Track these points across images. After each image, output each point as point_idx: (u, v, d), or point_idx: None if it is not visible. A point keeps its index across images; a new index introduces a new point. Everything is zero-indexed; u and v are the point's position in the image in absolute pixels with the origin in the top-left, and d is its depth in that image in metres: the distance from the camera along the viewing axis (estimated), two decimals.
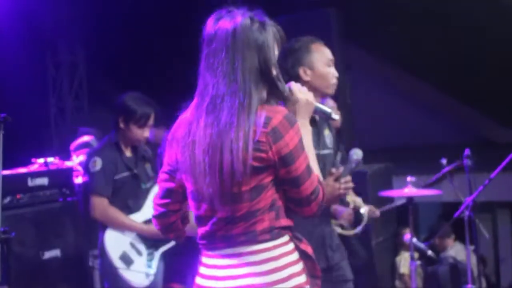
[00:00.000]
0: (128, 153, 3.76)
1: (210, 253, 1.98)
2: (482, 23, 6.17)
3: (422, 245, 5.11)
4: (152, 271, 3.65)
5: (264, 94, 1.95)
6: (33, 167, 4.32)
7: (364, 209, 3.65)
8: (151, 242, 3.68)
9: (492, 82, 6.50)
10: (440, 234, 5.68)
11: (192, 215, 2.04)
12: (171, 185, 2.04)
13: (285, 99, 2.07)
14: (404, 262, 5.53)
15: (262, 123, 1.85)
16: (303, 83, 2.50)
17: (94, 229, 3.86)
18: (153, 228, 3.60)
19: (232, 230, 1.91)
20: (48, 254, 4.10)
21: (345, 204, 3.51)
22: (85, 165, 3.69)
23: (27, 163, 4.37)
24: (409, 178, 4.33)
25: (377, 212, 4.01)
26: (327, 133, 2.86)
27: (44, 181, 4.21)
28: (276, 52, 2.01)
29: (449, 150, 4.69)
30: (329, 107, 2.41)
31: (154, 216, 2.12)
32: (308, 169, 1.93)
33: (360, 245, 4.58)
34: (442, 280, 5.43)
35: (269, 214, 1.91)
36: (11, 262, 3.25)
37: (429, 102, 7.61)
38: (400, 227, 5.62)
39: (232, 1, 2.03)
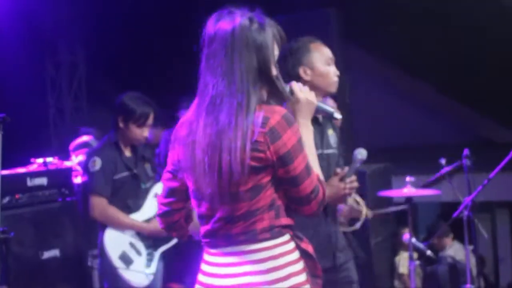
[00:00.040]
0: (127, 153, 3.76)
1: (212, 251, 2.00)
2: (482, 23, 6.18)
3: (421, 245, 5.11)
4: (152, 271, 3.65)
5: (264, 94, 1.97)
6: (32, 167, 4.32)
7: (362, 204, 3.65)
8: (151, 242, 3.68)
9: (491, 82, 6.51)
10: (438, 234, 5.68)
11: (195, 213, 2.06)
12: (174, 184, 2.06)
13: (285, 99, 2.07)
14: (403, 262, 5.54)
15: (260, 123, 1.86)
16: (304, 83, 2.51)
17: (93, 229, 3.86)
18: (152, 226, 3.63)
19: (233, 229, 1.93)
20: (47, 254, 4.10)
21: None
22: (85, 165, 3.69)
23: (26, 163, 4.37)
24: (408, 178, 4.33)
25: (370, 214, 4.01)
26: (331, 132, 2.86)
27: (43, 181, 4.21)
28: (276, 52, 2.02)
29: (449, 150, 4.69)
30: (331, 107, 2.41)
31: (158, 215, 2.14)
32: (308, 168, 1.93)
33: (359, 245, 4.58)
34: (441, 280, 5.44)
35: (268, 213, 1.92)
36: (10, 262, 3.26)
37: (429, 102, 7.62)
38: (399, 227, 5.63)
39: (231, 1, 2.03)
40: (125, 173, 3.69)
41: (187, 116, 2.01)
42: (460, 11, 6.16)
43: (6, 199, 3.93)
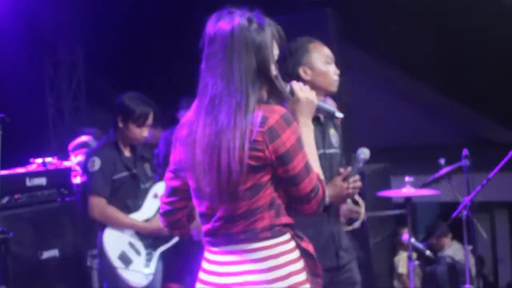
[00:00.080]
0: (127, 153, 3.76)
1: (213, 249, 2.01)
2: (482, 23, 6.18)
3: (420, 245, 5.10)
4: (151, 271, 3.65)
5: (264, 94, 1.98)
6: (31, 167, 4.32)
7: (362, 205, 3.65)
8: (150, 242, 3.69)
9: (491, 82, 6.51)
10: (437, 234, 5.68)
11: (197, 213, 2.07)
12: (176, 183, 2.07)
13: (285, 99, 2.08)
14: (403, 262, 5.54)
15: (259, 123, 1.87)
16: (305, 83, 2.50)
17: (93, 229, 3.86)
18: (152, 225, 3.63)
19: (233, 228, 1.94)
20: (46, 254, 4.10)
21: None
22: (84, 165, 3.68)
23: (25, 163, 4.37)
24: (407, 178, 4.33)
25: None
26: (332, 132, 2.86)
27: (42, 181, 4.21)
28: (276, 52, 2.02)
29: (448, 150, 4.69)
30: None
31: (161, 214, 2.17)
32: (307, 167, 1.94)
33: (358, 245, 4.57)
34: (440, 280, 5.44)
35: (269, 212, 1.93)
36: (9, 262, 3.26)
37: (429, 102, 7.62)
38: (398, 227, 5.63)
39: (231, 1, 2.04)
40: (125, 173, 3.69)
41: (188, 116, 2.02)
42: (460, 11, 6.16)
43: (5, 199, 3.93)
